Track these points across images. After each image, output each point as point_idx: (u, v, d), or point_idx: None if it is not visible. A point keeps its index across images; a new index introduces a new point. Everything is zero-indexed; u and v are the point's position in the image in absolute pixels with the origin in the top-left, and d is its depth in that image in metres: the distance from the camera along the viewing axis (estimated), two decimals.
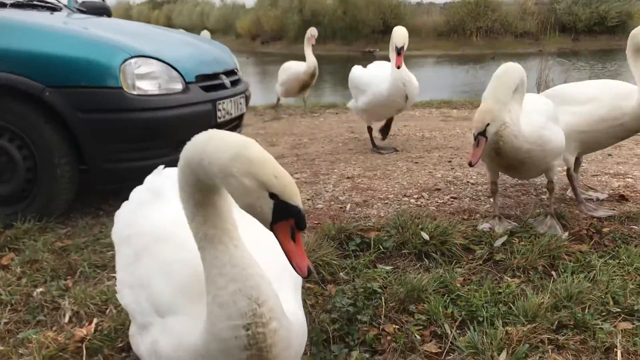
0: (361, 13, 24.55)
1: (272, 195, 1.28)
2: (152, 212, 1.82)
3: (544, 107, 3.34)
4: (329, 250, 3.02)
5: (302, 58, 8.15)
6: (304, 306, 2.50)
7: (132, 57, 3.48)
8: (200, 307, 1.43)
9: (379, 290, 2.70)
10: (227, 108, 4.12)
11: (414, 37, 18.54)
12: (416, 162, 5.21)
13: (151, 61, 3.59)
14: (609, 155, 5.27)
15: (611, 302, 2.57)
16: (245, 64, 21.53)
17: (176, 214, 1.55)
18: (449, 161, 5.22)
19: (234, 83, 4.42)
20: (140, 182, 2.16)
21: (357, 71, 5.77)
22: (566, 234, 3.30)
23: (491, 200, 3.76)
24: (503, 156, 3.12)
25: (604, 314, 2.50)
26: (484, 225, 3.39)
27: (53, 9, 4.68)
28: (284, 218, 1.30)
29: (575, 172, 3.91)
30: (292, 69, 8.08)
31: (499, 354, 2.20)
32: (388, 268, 2.97)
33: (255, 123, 7.93)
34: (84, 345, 2.29)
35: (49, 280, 2.85)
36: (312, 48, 8.05)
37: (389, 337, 2.37)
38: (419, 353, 2.26)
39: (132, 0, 52.61)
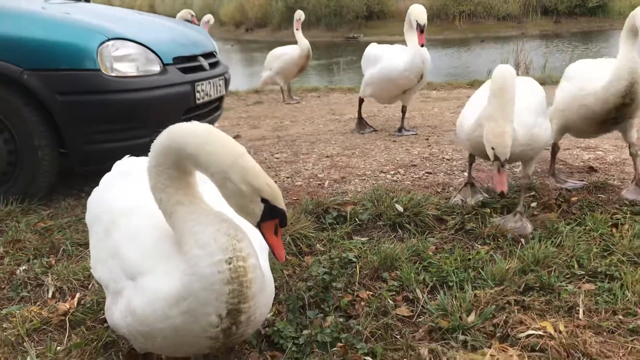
0: None
1: (263, 200, 1.48)
2: (118, 190, 1.90)
3: (533, 100, 3.23)
4: (307, 223, 3.10)
5: (287, 44, 8.20)
6: (281, 276, 2.60)
7: (109, 40, 3.51)
8: (170, 265, 1.52)
9: (354, 259, 2.79)
10: (206, 90, 4.16)
11: (397, 22, 18.54)
12: (394, 141, 5.30)
13: (128, 43, 3.62)
14: None
15: (576, 266, 2.69)
16: (230, 51, 21.43)
17: (141, 188, 1.66)
18: (426, 139, 5.31)
19: (213, 65, 4.45)
20: None
21: (372, 46, 5.74)
22: (535, 204, 3.40)
23: (465, 174, 3.85)
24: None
25: (568, 276, 2.62)
26: (457, 198, 3.48)
27: None
28: (271, 218, 1.51)
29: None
30: (287, 54, 8.06)
31: (467, 315, 2.30)
32: (363, 239, 3.06)
33: (237, 107, 7.96)
34: (67, 318, 2.35)
35: (32, 258, 2.90)
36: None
37: (362, 303, 2.46)
38: (391, 316, 2.34)
39: None
